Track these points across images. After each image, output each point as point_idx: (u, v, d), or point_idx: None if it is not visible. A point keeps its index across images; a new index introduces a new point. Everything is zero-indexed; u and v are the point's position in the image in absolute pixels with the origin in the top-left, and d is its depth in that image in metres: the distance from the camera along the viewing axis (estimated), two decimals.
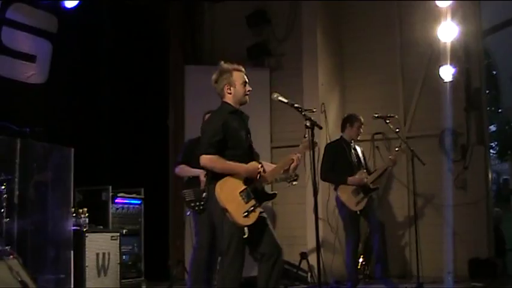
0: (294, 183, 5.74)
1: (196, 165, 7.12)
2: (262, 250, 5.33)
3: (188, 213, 7.49)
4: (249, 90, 5.47)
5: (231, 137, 5.28)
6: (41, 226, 7.04)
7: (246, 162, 5.31)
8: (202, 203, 7.06)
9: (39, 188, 7.07)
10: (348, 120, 8.53)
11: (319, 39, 10.32)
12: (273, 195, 5.41)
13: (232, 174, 5.22)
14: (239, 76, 5.44)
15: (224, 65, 5.48)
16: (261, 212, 5.32)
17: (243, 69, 5.50)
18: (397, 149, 8.24)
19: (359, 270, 9.45)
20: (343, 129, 8.55)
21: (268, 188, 5.63)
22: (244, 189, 5.23)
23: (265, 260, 5.34)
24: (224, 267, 5.20)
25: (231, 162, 5.22)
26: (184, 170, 7.44)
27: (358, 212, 8.20)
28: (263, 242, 5.33)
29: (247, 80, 5.48)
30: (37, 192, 7.08)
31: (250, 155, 5.45)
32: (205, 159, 5.19)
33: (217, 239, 6.07)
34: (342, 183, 8.25)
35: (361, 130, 8.45)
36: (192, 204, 7.18)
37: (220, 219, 5.19)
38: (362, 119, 8.43)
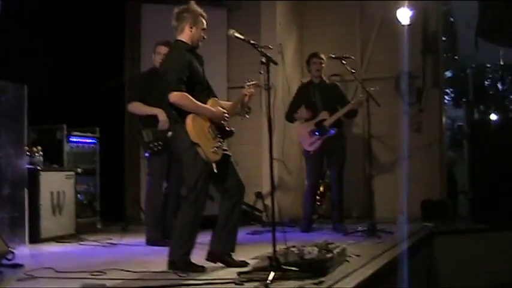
0: (247, 116, 5.77)
1: (151, 103, 7.10)
2: (226, 186, 5.46)
3: (147, 154, 7.23)
4: (203, 38, 5.51)
5: (191, 74, 5.29)
6: None
7: (206, 99, 5.37)
8: (160, 143, 6.98)
9: None
10: (306, 61, 8.58)
11: None
12: (232, 132, 5.48)
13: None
14: (202, 22, 5.47)
15: (194, 5, 5.48)
16: (225, 150, 5.42)
17: (206, 17, 5.52)
18: (372, 88, 8.18)
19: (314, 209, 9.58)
20: (308, 71, 8.61)
21: None
22: (210, 125, 5.30)
23: (228, 197, 5.47)
24: (189, 202, 5.24)
25: (199, 103, 5.24)
26: (138, 108, 7.26)
27: (312, 152, 8.31)
28: (227, 179, 5.45)
29: (205, 28, 5.51)
30: None
31: (208, 91, 5.52)
32: (176, 96, 5.14)
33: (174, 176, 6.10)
34: (292, 121, 8.60)
35: (320, 66, 8.45)
36: (151, 145, 7.03)
37: (189, 155, 5.20)
38: (320, 55, 8.44)
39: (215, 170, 5.25)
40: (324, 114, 8.33)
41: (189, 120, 5.16)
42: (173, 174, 7.18)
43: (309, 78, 8.81)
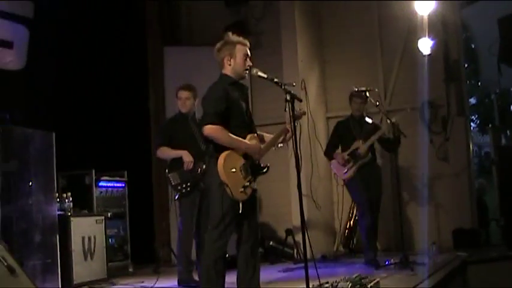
0: (280, 145, 5.66)
1: (178, 145, 7.20)
2: (244, 227, 5.41)
3: (177, 196, 7.31)
4: (249, 65, 5.45)
5: (231, 107, 5.28)
6: (25, 212, 7.01)
7: (246, 133, 5.36)
8: (188, 184, 7.08)
9: (8, 178, 6.95)
10: (349, 97, 8.49)
11: (297, 16, 10.29)
12: (266, 168, 5.43)
13: (233, 149, 5.23)
14: (241, 49, 5.42)
15: (230, 36, 5.46)
16: (254, 190, 5.37)
17: (248, 43, 5.49)
18: (393, 120, 8.11)
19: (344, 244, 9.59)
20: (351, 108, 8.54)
21: None
22: (243, 163, 5.26)
23: (244, 240, 5.43)
24: (211, 240, 5.21)
25: (234, 136, 5.21)
26: (165, 152, 7.36)
27: (351, 178, 8.21)
28: (247, 220, 5.40)
29: (249, 54, 5.47)
30: (9, 180, 6.99)
31: (249, 125, 5.48)
32: (210, 129, 5.14)
33: (203, 213, 6.08)
34: (330, 159, 8.44)
35: (358, 104, 8.34)
36: (179, 188, 7.14)
37: (218, 192, 5.17)
38: (356, 89, 8.26)
39: (240, 211, 5.20)
40: (357, 143, 8.27)
41: (221, 158, 5.14)
42: (202, 212, 7.19)
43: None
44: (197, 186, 7.02)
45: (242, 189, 5.19)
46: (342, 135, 8.47)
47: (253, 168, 5.34)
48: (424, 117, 10.15)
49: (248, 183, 5.24)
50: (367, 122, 8.45)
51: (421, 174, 9.95)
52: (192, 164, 7.07)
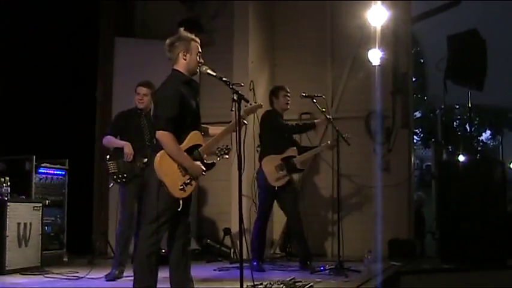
0: (226, 156, 5.59)
1: (125, 137, 7.21)
2: (176, 225, 5.34)
3: (111, 185, 7.50)
4: (200, 62, 5.42)
5: (182, 108, 5.23)
6: None
7: (190, 131, 5.29)
8: (125, 175, 7.14)
9: None
10: (272, 93, 8.43)
11: (251, 17, 10.34)
12: (212, 165, 5.38)
13: None
14: (195, 46, 5.40)
15: (183, 32, 5.43)
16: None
17: (199, 41, 5.47)
18: (347, 134, 8.15)
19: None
20: (271, 103, 8.40)
21: None
22: None
23: (175, 237, 5.37)
24: (146, 236, 5.16)
25: (182, 152, 5.15)
26: (109, 141, 7.40)
27: (276, 188, 8.16)
28: (181, 218, 5.34)
29: (201, 52, 5.45)
30: None
31: (196, 123, 5.43)
32: (163, 135, 5.08)
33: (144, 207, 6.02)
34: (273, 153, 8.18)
35: (288, 98, 8.28)
36: (115, 177, 7.18)
37: (155, 189, 5.12)
38: (287, 88, 8.32)
39: (180, 207, 5.15)
40: (292, 151, 8.26)
41: (158, 156, 5.09)
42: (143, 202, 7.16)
43: None
44: (136, 179, 7.02)
45: (182, 187, 5.16)
46: (271, 128, 8.29)
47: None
48: (369, 127, 10.27)
49: (188, 181, 5.20)
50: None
51: (362, 183, 10.06)
52: (131, 156, 7.14)
